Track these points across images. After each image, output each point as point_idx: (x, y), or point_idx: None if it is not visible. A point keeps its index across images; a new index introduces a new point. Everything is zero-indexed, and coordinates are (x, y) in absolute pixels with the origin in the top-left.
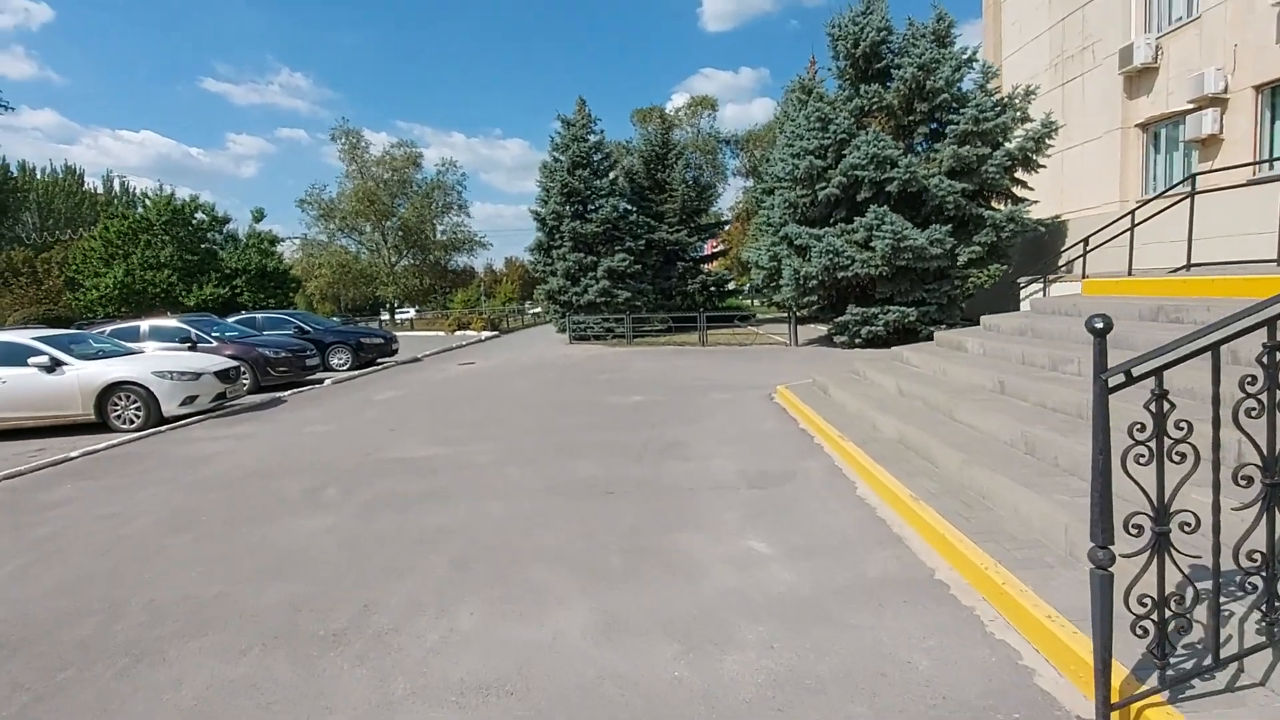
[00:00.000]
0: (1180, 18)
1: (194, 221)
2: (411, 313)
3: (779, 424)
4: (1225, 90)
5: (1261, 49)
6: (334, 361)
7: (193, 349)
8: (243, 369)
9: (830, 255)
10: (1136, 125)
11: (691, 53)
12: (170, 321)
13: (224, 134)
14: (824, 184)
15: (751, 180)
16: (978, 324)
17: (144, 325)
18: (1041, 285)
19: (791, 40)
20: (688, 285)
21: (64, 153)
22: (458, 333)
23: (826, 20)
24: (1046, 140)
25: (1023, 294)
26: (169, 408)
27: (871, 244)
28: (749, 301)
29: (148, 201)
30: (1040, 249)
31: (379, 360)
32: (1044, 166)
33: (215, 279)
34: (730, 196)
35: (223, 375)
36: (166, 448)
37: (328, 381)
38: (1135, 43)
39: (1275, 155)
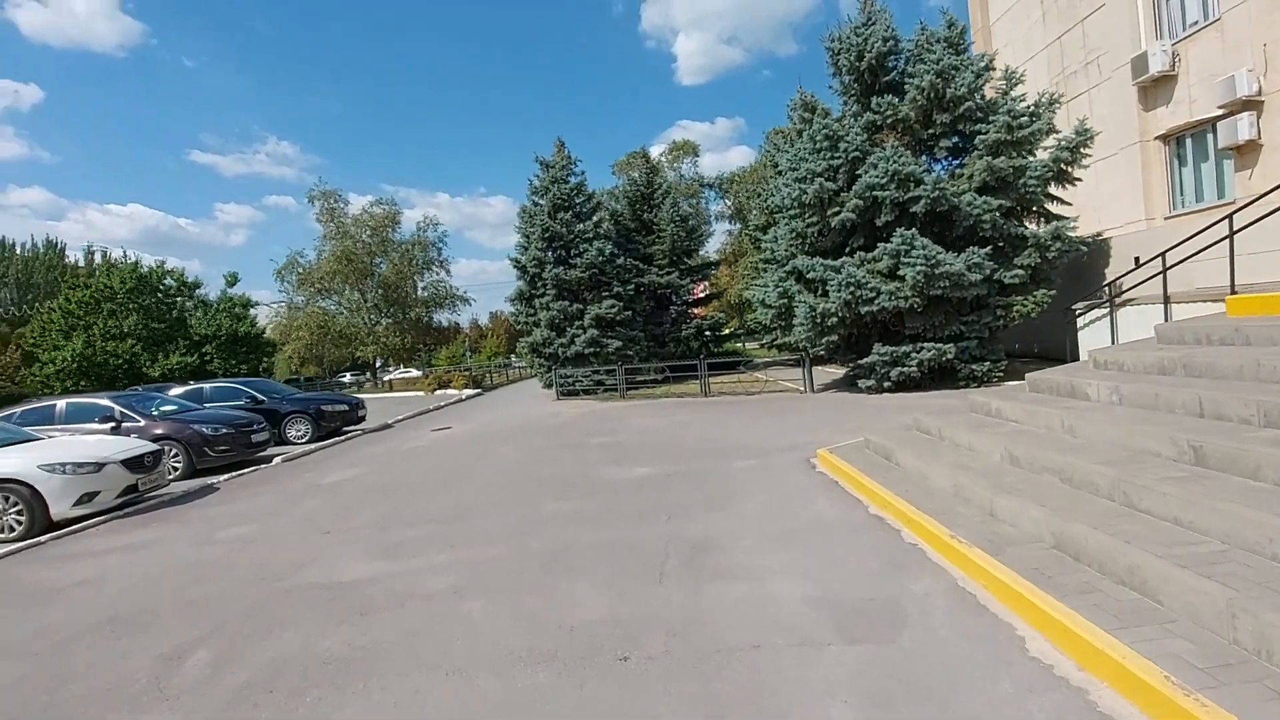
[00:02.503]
0: (1196, 21)
1: (162, 288)
2: (395, 371)
3: (838, 507)
4: (1259, 93)
5: None
6: (291, 434)
7: (116, 430)
8: (164, 453)
9: (852, 288)
10: (1157, 138)
11: (668, 107)
12: (93, 399)
13: (212, 204)
14: (837, 209)
15: (736, 224)
16: (1063, 361)
17: (60, 404)
18: (1107, 311)
19: (764, 88)
20: (681, 331)
21: (52, 229)
22: (438, 392)
23: (824, 36)
24: (1082, 150)
25: (1081, 322)
26: (60, 509)
27: (900, 273)
28: (741, 345)
29: (111, 269)
30: (1078, 272)
31: (345, 429)
32: (1079, 180)
33: (183, 347)
34: (714, 241)
35: (133, 464)
36: (19, 571)
37: (277, 460)
38: (1149, 51)
39: None
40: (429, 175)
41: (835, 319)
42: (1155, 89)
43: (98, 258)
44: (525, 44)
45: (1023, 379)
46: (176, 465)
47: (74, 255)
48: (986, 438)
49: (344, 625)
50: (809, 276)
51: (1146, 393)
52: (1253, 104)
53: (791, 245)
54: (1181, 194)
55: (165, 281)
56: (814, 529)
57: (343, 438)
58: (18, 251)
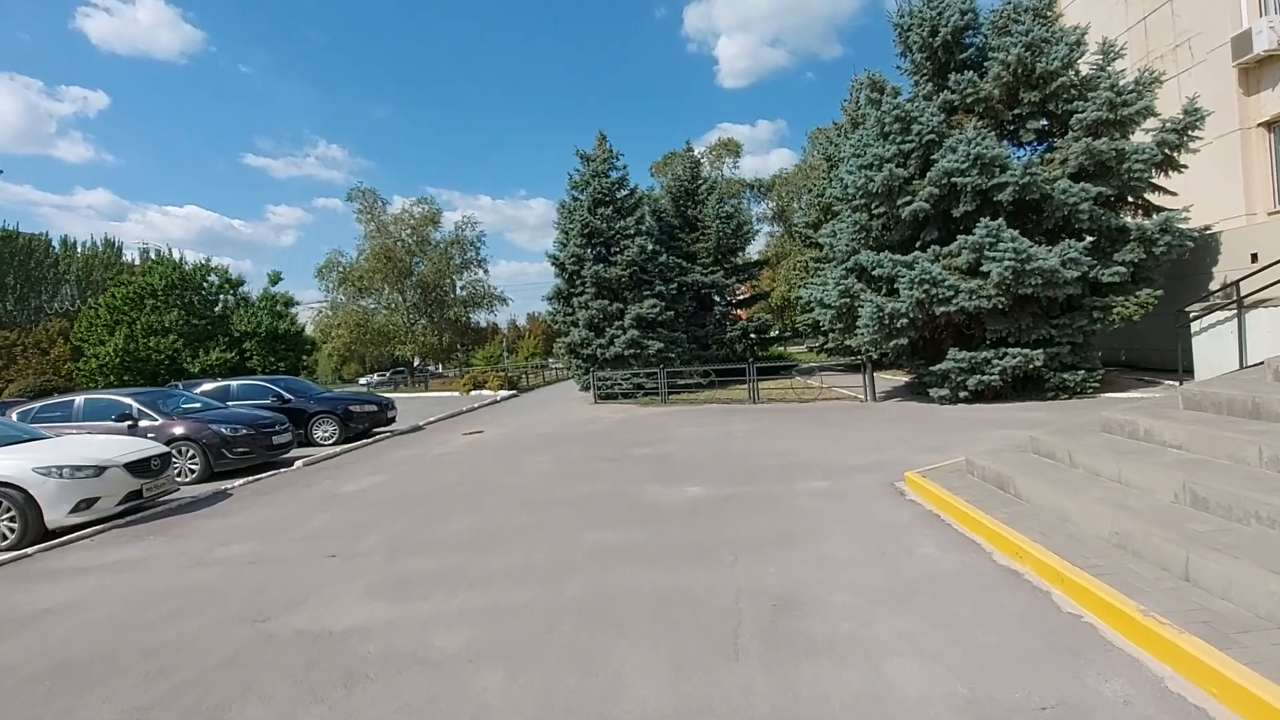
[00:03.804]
0: None
1: (205, 284)
2: (437, 369)
3: (953, 552)
4: None
5: None
6: (318, 435)
7: (133, 428)
8: (172, 456)
9: (926, 286)
10: (1260, 124)
11: (710, 110)
12: (112, 395)
13: (264, 205)
14: (908, 198)
15: (778, 225)
16: (1164, 372)
17: (78, 401)
18: (1233, 315)
19: (807, 91)
20: (726, 333)
21: (114, 229)
22: (473, 393)
23: (894, 11)
24: (1192, 132)
25: (1196, 327)
26: (55, 516)
27: (983, 268)
28: (784, 349)
29: (153, 267)
30: (1179, 271)
31: (374, 430)
32: (1185, 166)
33: (224, 343)
34: (755, 245)
35: (138, 467)
36: None
37: (299, 464)
38: (1254, 28)
39: None
40: (471, 178)
41: (905, 320)
42: (1260, 70)
43: (152, 254)
44: (566, 48)
45: (1126, 391)
46: (194, 467)
47: (130, 254)
48: (1144, 468)
49: (320, 705)
50: (875, 273)
51: None
52: None
53: (854, 239)
54: None
55: (209, 279)
56: (929, 583)
57: (372, 440)
58: (79, 251)
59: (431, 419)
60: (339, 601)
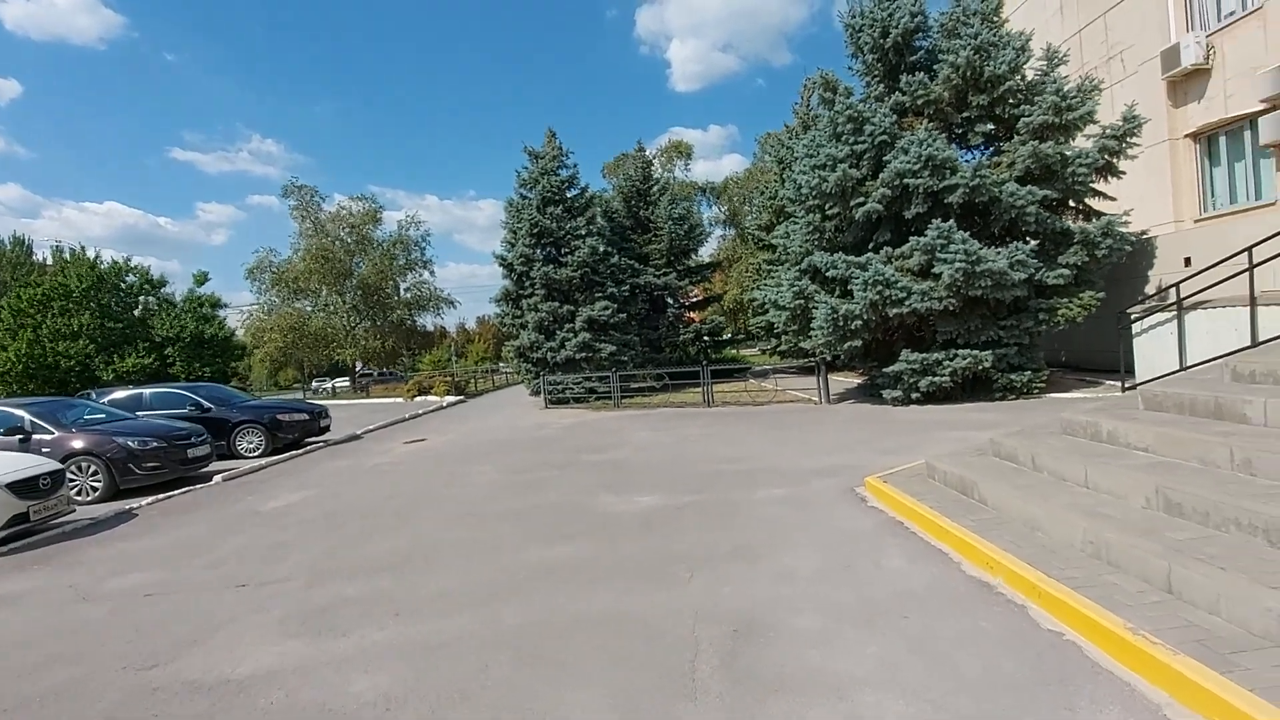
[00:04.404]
0: (1234, 11)
1: (123, 285)
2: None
3: (921, 564)
4: None
5: None
6: (243, 447)
7: (24, 443)
8: (73, 473)
9: (879, 287)
10: (1187, 135)
11: (662, 114)
12: (1, 406)
13: (193, 202)
14: (861, 199)
15: (730, 229)
16: (1106, 373)
17: None
18: (1173, 316)
19: (759, 98)
20: (679, 336)
21: (27, 226)
22: (418, 399)
23: (845, 12)
24: (1130, 139)
25: (1138, 328)
26: None
27: (934, 270)
28: (736, 351)
29: (66, 266)
30: (1118, 275)
31: (306, 441)
32: (1124, 173)
33: (142, 348)
34: (706, 248)
35: (24, 487)
36: None
37: (218, 479)
38: (1181, 43)
39: None
40: (417, 177)
41: (860, 322)
42: (1187, 83)
43: (66, 254)
44: (516, 46)
45: (1069, 391)
46: (96, 485)
47: (41, 254)
48: (1113, 472)
49: None
50: (828, 274)
51: None
52: None
53: (807, 240)
54: (1214, 195)
55: (127, 279)
56: (900, 600)
57: (303, 450)
58: None
59: (371, 427)
60: (244, 640)
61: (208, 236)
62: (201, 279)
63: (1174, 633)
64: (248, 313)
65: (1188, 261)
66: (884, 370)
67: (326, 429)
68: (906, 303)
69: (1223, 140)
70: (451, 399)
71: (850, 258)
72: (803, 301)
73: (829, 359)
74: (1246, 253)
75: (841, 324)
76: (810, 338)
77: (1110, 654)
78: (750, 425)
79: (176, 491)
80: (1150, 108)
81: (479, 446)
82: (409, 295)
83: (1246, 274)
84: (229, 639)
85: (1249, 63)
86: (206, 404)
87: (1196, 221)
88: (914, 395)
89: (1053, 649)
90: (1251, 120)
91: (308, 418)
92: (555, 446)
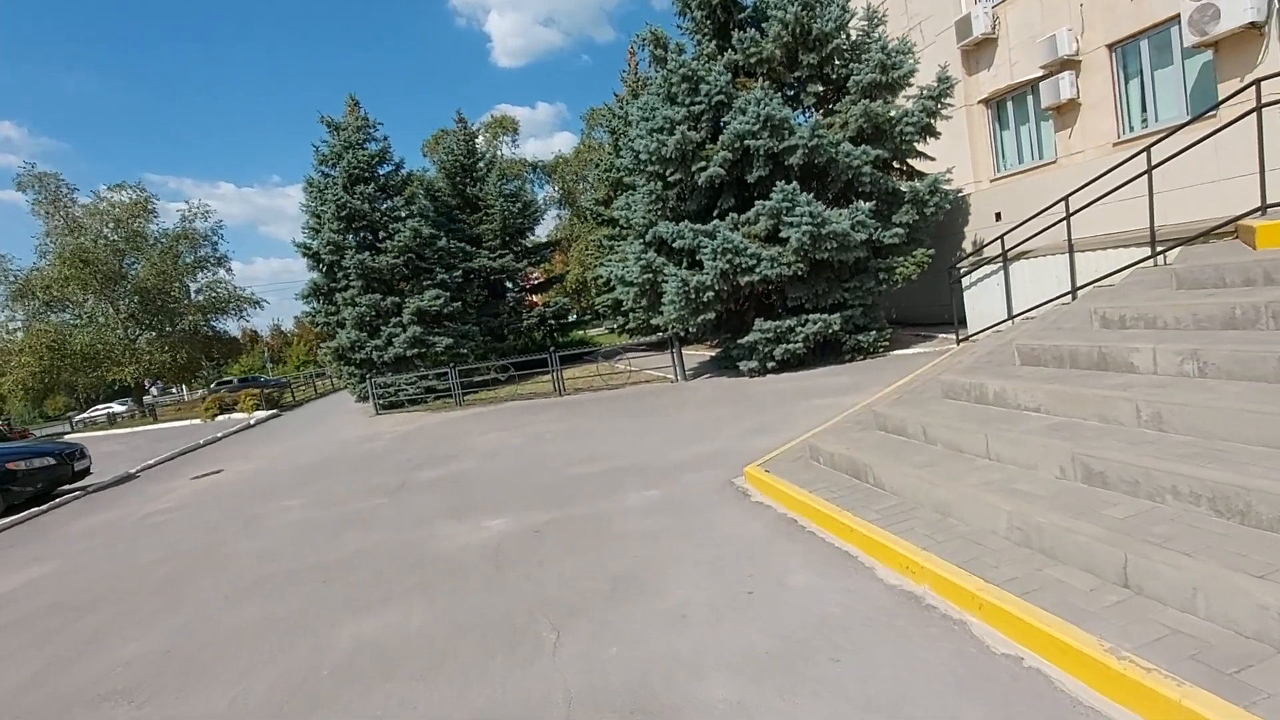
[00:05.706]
0: None
1: None
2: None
3: (831, 578)
4: (1078, 52)
5: (1110, 6)
6: None
7: None
8: None
9: (729, 256)
10: (980, 101)
11: (486, 90)
12: None
13: None
14: (703, 163)
15: (566, 208)
16: (939, 327)
17: None
18: (999, 268)
19: (586, 74)
20: (522, 321)
21: None
22: (219, 418)
23: None
24: (945, 99)
25: (967, 282)
26: None
27: (781, 234)
28: (584, 332)
29: None
30: (938, 232)
31: (58, 491)
32: (941, 134)
33: None
34: (542, 228)
35: None
36: None
37: None
38: (972, 14)
39: None
40: (206, 163)
41: (711, 293)
42: (978, 52)
43: None
44: (315, 16)
45: (910, 347)
46: None
47: None
48: (1015, 438)
49: None
50: (676, 245)
51: (1248, 355)
52: (1071, 63)
53: (650, 210)
54: (1004, 156)
55: None
56: (820, 632)
57: (52, 504)
58: None
59: (152, 461)
60: None
61: None
62: None
63: (1157, 647)
64: None
65: (998, 216)
66: (738, 341)
67: (85, 472)
68: (757, 270)
69: (1009, 105)
70: (262, 415)
71: (697, 226)
72: (651, 276)
73: (682, 334)
74: (1063, 202)
75: (693, 297)
76: (661, 313)
77: (1091, 686)
78: (607, 414)
79: None
80: (950, 75)
81: (289, 474)
82: (202, 298)
83: (1062, 224)
84: None
85: (1029, 32)
86: None
87: (993, 181)
88: (769, 365)
89: (1017, 683)
90: (1033, 86)
91: (54, 462)
92: (385, 463)
